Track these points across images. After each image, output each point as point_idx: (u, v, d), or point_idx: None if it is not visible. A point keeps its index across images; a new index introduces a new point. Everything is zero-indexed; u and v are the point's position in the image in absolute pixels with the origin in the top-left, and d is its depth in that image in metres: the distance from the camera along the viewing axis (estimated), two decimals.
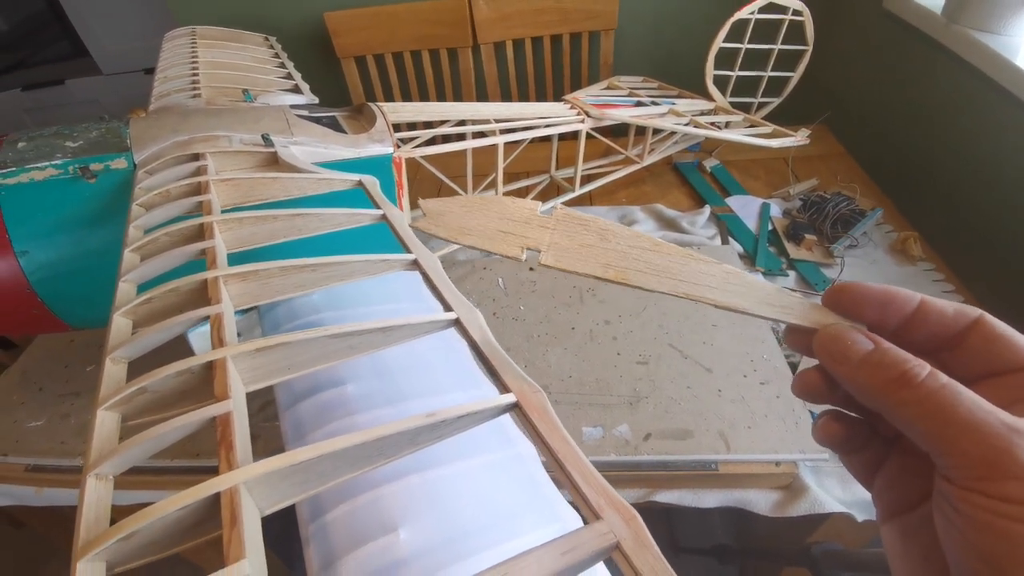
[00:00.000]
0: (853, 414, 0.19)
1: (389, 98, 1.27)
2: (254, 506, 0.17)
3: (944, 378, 0.15)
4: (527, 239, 0.22)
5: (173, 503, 0.15)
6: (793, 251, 0.70)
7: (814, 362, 0.19)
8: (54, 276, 0.40)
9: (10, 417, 0.58)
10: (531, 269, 0.69)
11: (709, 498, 0.49)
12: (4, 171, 0.39)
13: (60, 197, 0.39)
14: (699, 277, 0.20)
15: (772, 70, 0.83)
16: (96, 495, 0.17)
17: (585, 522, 0.16)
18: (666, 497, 0.49)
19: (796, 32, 0.80)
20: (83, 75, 1.61)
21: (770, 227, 0.74)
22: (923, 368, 0.15)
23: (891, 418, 0.16)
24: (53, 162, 0.39)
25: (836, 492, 0.47)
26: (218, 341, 0.22)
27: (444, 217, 0.23)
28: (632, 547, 0.16)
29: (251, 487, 0.16)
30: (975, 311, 0.17)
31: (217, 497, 0.16)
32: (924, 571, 0.17)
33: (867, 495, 0.47)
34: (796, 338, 0.20)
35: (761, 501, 0.48)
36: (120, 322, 0.24)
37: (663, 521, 1.00)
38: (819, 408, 0.50)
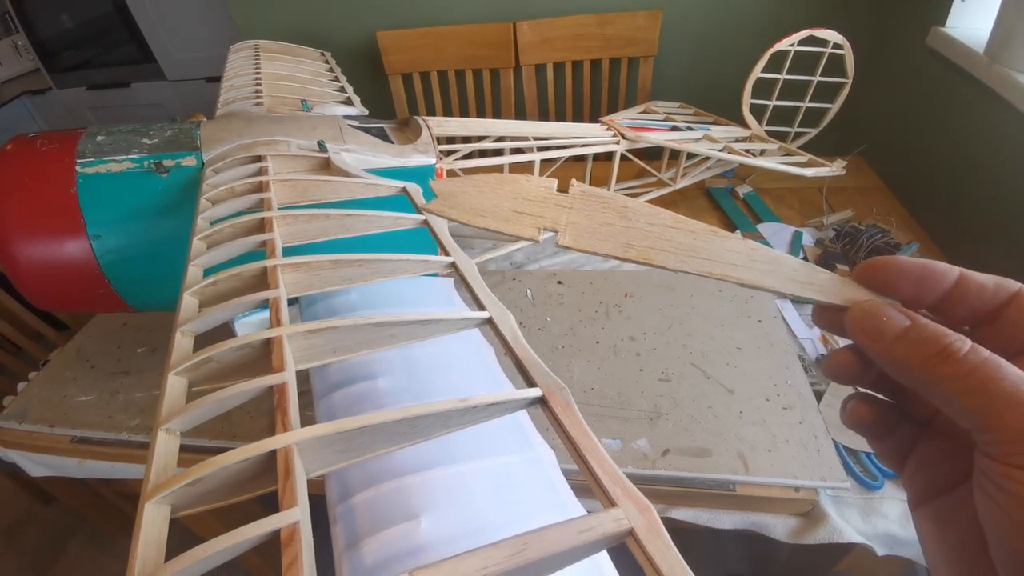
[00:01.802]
0: (883, 397, 0.19)
1: (431, 113, 1.32)
2: (302, 468, 0.18)
3: (986, 352, 0.15)
4: (544, 219, 0.21)
5: (235, 455, 0.17)
6: None
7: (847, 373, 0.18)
8: (122, 260, 0.44)
9: (61, 391, 0.62)
10: (559, 283, 0.70)
11: (725, 519, 0.48)
12: (84, 160, 0.42)
13: (134, 188, 0.43)
14: (724, 255, 0.20)
15: (810, 101, 0.83)
16: (165, 447, 0.19)
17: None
18: (682, 515, 0.49)
19: (836, 65, 0.81)
20: (148, 79, 1.72)
21: (801, 255, 0.74)
22: (964, 343, 0.15)
23: (930, 395, 0.16)
24: (130, 156, 0.43)
25: (857, 523, 0.46)
26: (275, 321, 0.24)
27: (457, 198, 0.22)
28: (646, 535, 0.16)
29: (301, 449, 0.18)
30: (1015, 284, 0.17)
31: (273, 454, 0.18)
32: (961, 556, 0.16)
33: (889, 528, 0.46)
34: (826, 317, 0.19)
35: (778, 526, 0.48)
36: (189, 300, 0.26)
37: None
38: (844, 441, 0.50)
